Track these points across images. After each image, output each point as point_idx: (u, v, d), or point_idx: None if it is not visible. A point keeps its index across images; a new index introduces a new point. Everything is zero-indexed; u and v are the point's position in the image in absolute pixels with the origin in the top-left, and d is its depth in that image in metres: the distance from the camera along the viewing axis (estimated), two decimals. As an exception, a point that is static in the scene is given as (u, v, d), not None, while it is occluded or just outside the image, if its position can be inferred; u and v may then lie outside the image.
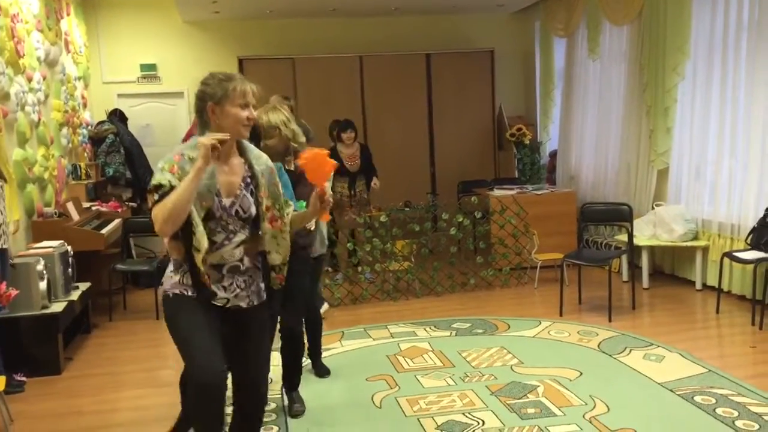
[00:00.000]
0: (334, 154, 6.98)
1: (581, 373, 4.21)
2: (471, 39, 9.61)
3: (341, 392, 4.17)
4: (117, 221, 6.47)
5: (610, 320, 5.29)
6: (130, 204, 7.88)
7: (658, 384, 4.00)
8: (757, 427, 3.40)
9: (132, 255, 7.10)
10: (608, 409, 3.68)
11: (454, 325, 5.41)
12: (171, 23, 8.83)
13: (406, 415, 3.76)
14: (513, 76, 9.82)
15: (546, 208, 7.04)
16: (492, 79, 9.53)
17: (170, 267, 2.63)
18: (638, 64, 6.92)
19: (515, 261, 6.80)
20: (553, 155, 9.15)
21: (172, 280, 2.60)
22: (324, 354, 4.86)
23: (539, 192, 7.30)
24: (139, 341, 5.41)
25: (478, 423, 3.61)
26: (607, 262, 5.95)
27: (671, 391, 3.90)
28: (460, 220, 6.54)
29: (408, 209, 6.86)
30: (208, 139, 2.40)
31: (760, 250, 5.16)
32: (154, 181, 2.44)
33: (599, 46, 7.74)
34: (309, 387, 4.21)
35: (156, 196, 2.41)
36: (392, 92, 9.22)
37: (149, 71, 8.91)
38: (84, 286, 5.39)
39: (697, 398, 3.78)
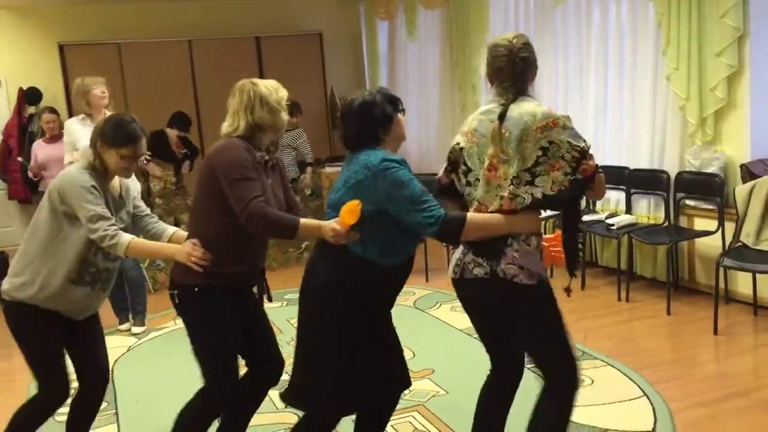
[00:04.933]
0: (161, 137, 7.07)
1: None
2: (300, 22, 9.86)
3: (171, 366, 4.38)
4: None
5: (427, 280, 5.84)
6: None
7: (459, 330, 4.55)
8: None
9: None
10: (414, 355, 4.17)
11: (286, 297, 5.73)
12: (-18, 8, 8.40)
13: (232, 379, 4.05)
14: (342, 57, 10.19)
15: (374, 182, 7.49)
16: (322, 61, 9.85)
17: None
18: (449, 44, 7.52)
19: (346, 233, 7.22)
20: (384, 132, 9.66)
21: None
22: (157, 333, 5.05)
23: (367, 167, 7.75)
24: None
25: (299, 378, 3.96)
26: (426, 229, 6.51)
27: (469, 335, 4.45)
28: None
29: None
30: None
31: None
32: (585, 144, 2.42)
33: (416, 29, 8.28)
34: (137, 365, 4.39)
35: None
36: (224, 76, 9.12)
37: (-40, 60, 8.44)
38: None
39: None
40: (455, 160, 2.62)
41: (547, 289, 2.49)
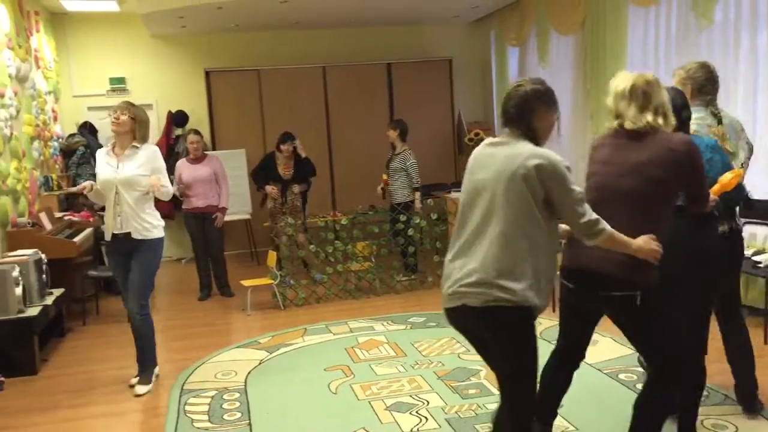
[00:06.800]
0: (270, 160, 7.37)
1: (521, 358, 4.59)
2: (430, 49, 10.01)
3: (300, 381, 4.51)
4: (88, 230, 6.73)
5: (554, 310, 5.68)
6: (102, 213, 8.13)
7: (588, 364, 4.39)
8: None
9: (104, 262, 7.35)
10: (541, 388, 4.06)
11: (410, 320, 5.77)
12: (139, 38, 9.10)
13: (358, 399, 4.12)
14: (471, 83, 10.23)
15: (500, 209, 7.40)
16: (451, 86, 9.94)
17: None
18: (582, 71, 7.36)
19: (471, 259, 7.17)
20: (511, 158, 9.56)
21: None
22: (286, 349, 5.21)
23: (494, 194, 7.67)
24: (111, 343, 5.68)
25: (424, 403, 3.98)
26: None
27: (599, 370, 4.31)
28: (417, 221, 6.91)
29: (371, 213, 7.22)
30: None
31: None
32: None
33: (548, 55, 8.17)
34: (268, 378, 4.56)
35: None
36: (355, 101, 9.58)
37: (118, 84, 9.17)
38: (58, 291, 5.65)
39: (621, 376, 4.20)
40: None
41: None
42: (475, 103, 10.27)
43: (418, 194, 7.13)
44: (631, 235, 2.65)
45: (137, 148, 4.43)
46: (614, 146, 2.87)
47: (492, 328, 2.60)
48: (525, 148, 2.55)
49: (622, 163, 2.80)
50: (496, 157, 2.60)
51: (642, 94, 2.78)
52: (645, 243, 2.65)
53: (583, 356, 3.11)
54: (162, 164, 4.54)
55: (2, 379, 4.73)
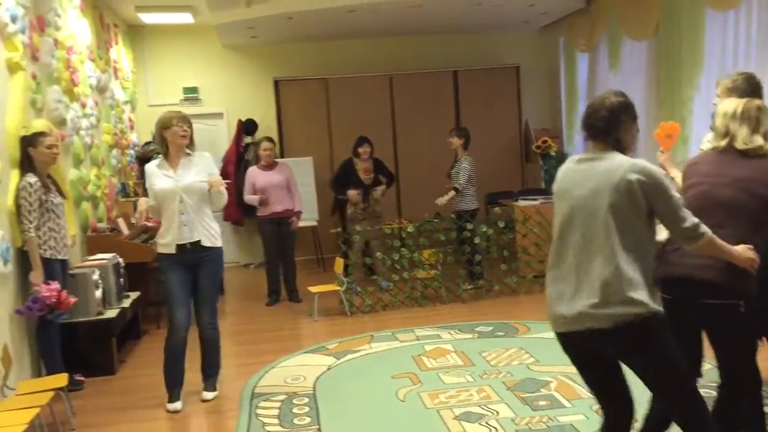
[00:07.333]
0: (349, 167, 7.41)
1: (593, 371, 4.50)
2: (497, 56, 9.94)
3: (368, 387, 4.53)
4: (163, 235, 6.93)
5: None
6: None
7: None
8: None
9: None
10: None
11: (477, 329, 5.72)
12: (211, 48, 9.34)
13: (426, 408, 4.11)
14: (539, 90, 10.11)
15: (568, 218, 7.28)
16: (518, 93, 9.85)
17: None
18: (656, 78, 7.18)
19: (538, 268, 7.06)
20: (579, 166, 9.40)
21: None
22: (353, 355, 5.24)
23: (562, 202, 7.55)
24: (184, 345, 5.82)
25: (493, 413, 3.94)
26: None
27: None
28: (484, 229, 6.86)
29: (436, 220, 7.21)
30: None
31: None
32: None
33: (619, 61, 8.00)
34: (337, 384, 4.60)
35: None
36: (421, 109, 9.59)
37: (191, 94, 9.44)
38: (134, 295, 5.85)
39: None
40: None
41: None
42: (543, 111, 10.14)
43: (452, 193, 7.07)
44: (730, 243, 2.67)
45: (190, 155, 4.48)
46: (718, 161, 2.94)
47: (629, 346, 2.54)
48: (621, 159, 2.55)
49: (727, 175, 2.87)
50: (592, 172, 2.57)
51: (754, 118, 2.90)
52: (743, 251, 2.68)
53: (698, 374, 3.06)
54: (217, 170, 4.62)
55: (82, 378, 4.91)
